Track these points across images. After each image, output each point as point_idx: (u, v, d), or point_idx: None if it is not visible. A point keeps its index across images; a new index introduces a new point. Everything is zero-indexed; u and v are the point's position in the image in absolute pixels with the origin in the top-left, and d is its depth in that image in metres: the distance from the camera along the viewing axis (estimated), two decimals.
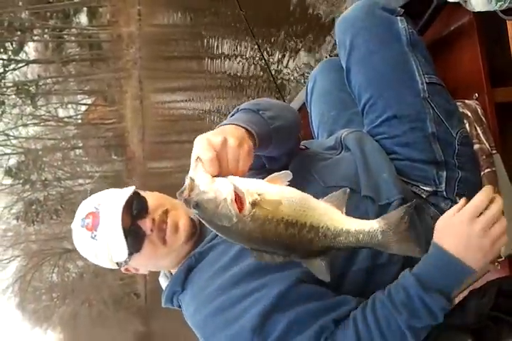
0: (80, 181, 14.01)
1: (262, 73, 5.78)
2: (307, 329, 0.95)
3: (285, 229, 0.83)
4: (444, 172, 1.15)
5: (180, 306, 1.14)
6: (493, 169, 1.23)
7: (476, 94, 1.34)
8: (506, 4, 1.03)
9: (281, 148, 1.13)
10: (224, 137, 0.88)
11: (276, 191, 0.86)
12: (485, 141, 1.27)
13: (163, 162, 11.10)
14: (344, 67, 1.28)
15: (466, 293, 0.95)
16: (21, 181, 13.47)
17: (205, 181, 0.83)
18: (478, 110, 1.31)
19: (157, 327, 14.00)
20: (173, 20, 8.91)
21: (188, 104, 9.25)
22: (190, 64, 8.91)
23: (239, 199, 0.82)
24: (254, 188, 0.84)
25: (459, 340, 0.85)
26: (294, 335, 0.95)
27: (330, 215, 0.87)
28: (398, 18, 1.24)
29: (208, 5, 7.06)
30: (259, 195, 0.83)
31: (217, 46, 7.14)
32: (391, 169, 1.16)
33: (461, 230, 0.90)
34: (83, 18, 11.13)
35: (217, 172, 0.85)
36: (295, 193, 0.87)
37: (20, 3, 10.44)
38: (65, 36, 11.36)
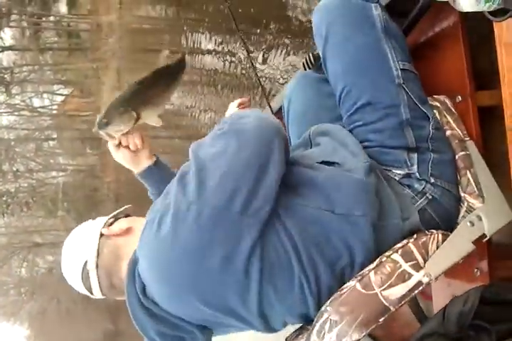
0: (53, 174, 13.73)
1: (245, 71, 5.74)
2: None
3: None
4: (415, 154, 1.17)
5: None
6: (468, 152, 1.24)
7: (459, 97, 1.32)
8: (494, 5, 1.00)
9: None
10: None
11: None
12: (457, 128, 1.28)
13: None
14: (321, 55, 1.30)
15: (447, 300, 0.92)
16: None
17: None
18: (447, 102, 1.31)
19: (125, 325, 13.87)
20: (156, 11, 8.77)
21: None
22: (171, 58, 8.76)
23: None
24: None
25: None
26: None
27: None
28: (373, 4, 1.27)
29: None
30: None
31: (200, 41, 7.06)
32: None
33: None
34: (62, 6, 10.89)
35: None
36: None
37: None
38: (43, 23, 11.10)
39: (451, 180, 1.20)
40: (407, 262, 1.07)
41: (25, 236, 13.81)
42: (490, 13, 1.05)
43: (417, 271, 1.06)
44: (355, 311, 1.02)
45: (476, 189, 1.20)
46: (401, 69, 1.22)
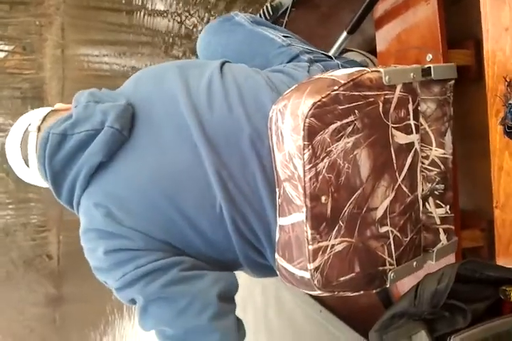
0: None
1: (196, 35, 5.53)
2: None
3: None
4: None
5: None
6: None
7: (430, 55, 1.24)
8: None
9: None
10: None
11: None
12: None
13: None
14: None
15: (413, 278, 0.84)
16: None
17: None
18: None
19: (68, 290, 13.69)
20: None
21: (114, 60, 8.71)
22: (119, 16, 8.34)
23: None
24: None
25: (410, 330, 0.75)
26: None
27: None
28: (232, 14, 1.37)
29: None
30: None
31: (153, 1, 6.75)
32: None
33: None
34: None
35: None
36: None
37: None
38: None
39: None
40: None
41: None
42: None
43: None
44: (301, 89, 0.88)
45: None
46: (283, 36, 1.30)
